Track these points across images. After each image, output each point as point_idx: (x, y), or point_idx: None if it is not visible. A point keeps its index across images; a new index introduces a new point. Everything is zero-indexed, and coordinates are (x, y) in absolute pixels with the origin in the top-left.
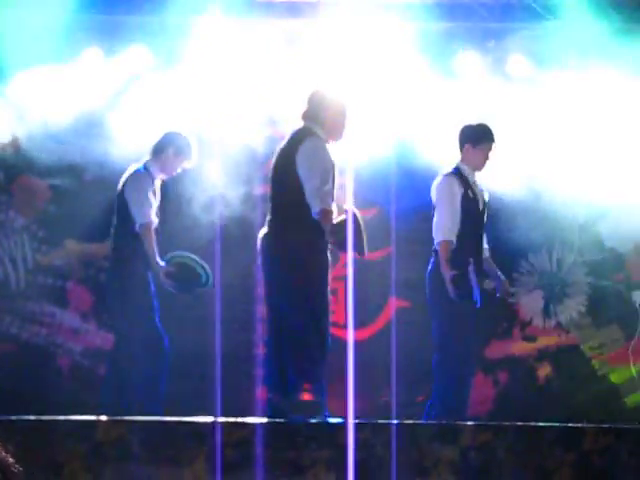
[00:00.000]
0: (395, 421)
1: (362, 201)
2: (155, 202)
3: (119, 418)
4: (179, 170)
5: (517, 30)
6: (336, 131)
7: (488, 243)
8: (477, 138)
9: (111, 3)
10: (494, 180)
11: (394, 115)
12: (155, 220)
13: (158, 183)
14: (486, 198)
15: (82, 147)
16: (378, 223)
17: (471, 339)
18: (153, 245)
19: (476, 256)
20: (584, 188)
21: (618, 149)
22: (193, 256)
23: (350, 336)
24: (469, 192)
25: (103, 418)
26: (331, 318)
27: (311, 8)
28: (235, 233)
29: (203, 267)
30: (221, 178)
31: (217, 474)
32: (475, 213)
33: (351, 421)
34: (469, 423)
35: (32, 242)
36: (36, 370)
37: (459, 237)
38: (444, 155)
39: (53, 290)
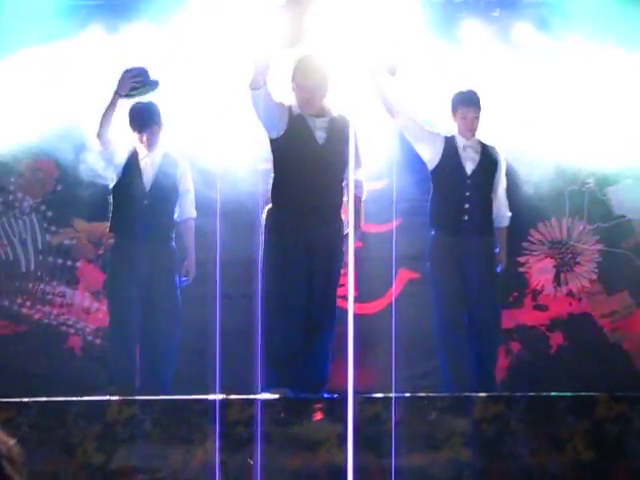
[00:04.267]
0: (407, 394)
1: (371, 173)
2: None
3: (130, 398)
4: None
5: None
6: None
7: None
8: (452, 105)
9: None
10: (501, 149)
11: (398, 85)
12: None
13: None
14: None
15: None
16: (388, 195)
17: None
18: None
19: (459, 216)
20: (593, 155)
21: (628, 116)
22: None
23: (350, 310)
24: (452, 156)
25: (114, 398)
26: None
27: None
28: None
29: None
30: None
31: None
32: (458, 176)
33: (351, 395)
34: (481, 394)
35: (41, 222)
36: (48, 350)
37: (437, 199)
38: (448, 124)
39: (63, 270)
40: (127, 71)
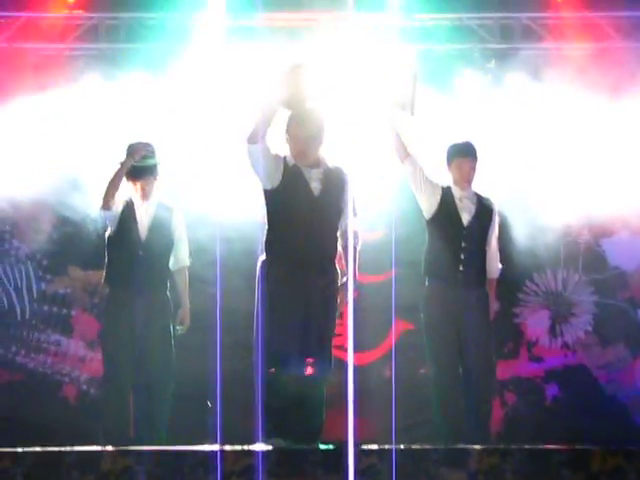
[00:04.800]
0: (402, 446)
1: (368, 224)
2: None
3: (125, 448)
4: None
5: (517, 50)
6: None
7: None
8: (448, 156)
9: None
10: (496, 200)
11: (411, 128)
12: None
13: None
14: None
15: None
16: (384, 246)
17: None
18: None
19: (454, 266)
20: (588, 207)
21: (621, 168)
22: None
23: (350, 359)
24: (450, 207)
25: (109, 448)
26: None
27: (310, 33)
28: None
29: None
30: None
31: None
32: (454, 227)
33: (351, 447)
34: (476, 447)
35: (37, 270)
36: (42, 399)
37: (433, 249)
38: (447, 174)
39: (58, 318)
40: (137, 142)
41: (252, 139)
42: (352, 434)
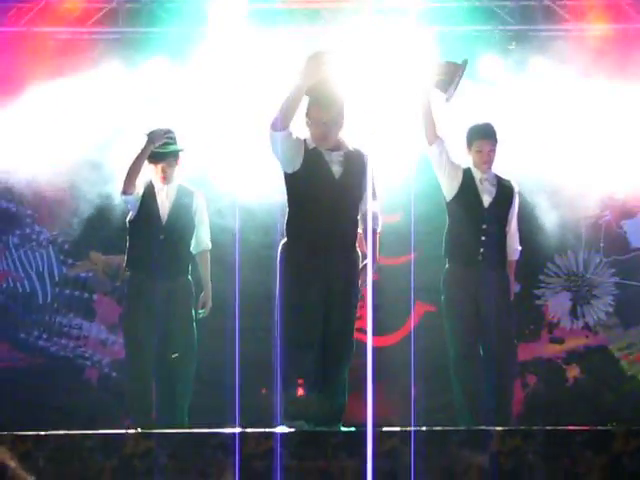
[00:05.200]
0: (424, 428)
1: (386, 206)
2: None
3: (147, 431)
4: None
5: (538, 32)
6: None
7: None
8: (468, 138)
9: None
10: (517, 182)
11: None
12: None
13: None
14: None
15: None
16: (404, 228)
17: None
18: None
19: (475, 248)
20: (610, 188)
21: None
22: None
23: (369, 342)
24: (470, 189)
25: (131, 431)
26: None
27: (331, 14)
28: None
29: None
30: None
31: None
32: (475, 209)
33: (370, 429)
34: (498, 428)
35: (58, 255)
36: (64, 383)
37: (453, 231)
38: (467, 157)
39: (80, 302)
40: (157, 128)
41: (277, 126)
42: (371, 416)
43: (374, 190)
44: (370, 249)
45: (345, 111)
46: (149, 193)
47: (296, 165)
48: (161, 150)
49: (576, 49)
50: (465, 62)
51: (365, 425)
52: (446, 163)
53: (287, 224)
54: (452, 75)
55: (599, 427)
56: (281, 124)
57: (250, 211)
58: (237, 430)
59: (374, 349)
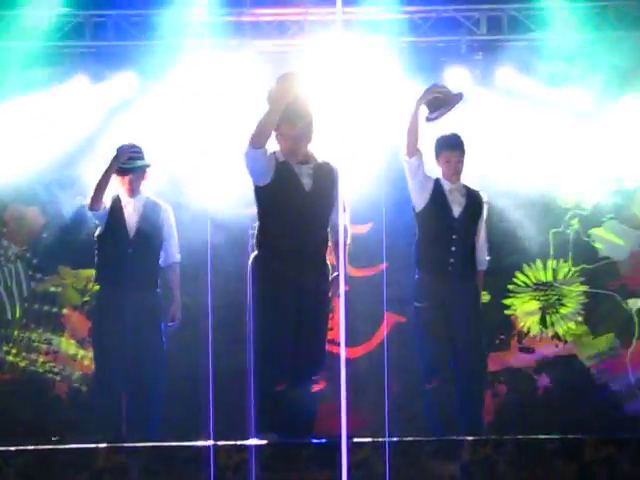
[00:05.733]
0: (394, 438)
1: (357, 217)
2: None
3: (118, 445)
4: None
5: (504, 42)
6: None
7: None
8: (436, 149)
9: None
10: (486, 192)
11: (384, 130)
12: None
13: None
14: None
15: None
16: (374, 239)
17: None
18: None
19: (445, 259)
20: (577, 197)
21: (610, 158)
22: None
23: (342, 353)
24: (440, 199)
25: (102, 445)
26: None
27: (297, 27)
28: None
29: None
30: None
31: None
32: (445, 219)
33: (344, 440)
34: (469, 438)
35: (27, 270)
36: (34, 398)
37: (424, 242)
38: (435, 167)
39: (49, 317)
40: (123, 144)
41: (257, 143)
42: (345, 428)
43: (344, 202)
44: (342, 260)
45: (314, 125)
46: (116, 207)
47: (267, 178)
48: (127, 166)
49: (542, 59)
50: (461, 96)
51: (336, 436)
52: (422, 175)
53: (258, 236)
54: (445, 101)
55: (569, 436)
56: (260, 141)
57: (221, 224)
58: (210, 443)
59: (347, 361)
